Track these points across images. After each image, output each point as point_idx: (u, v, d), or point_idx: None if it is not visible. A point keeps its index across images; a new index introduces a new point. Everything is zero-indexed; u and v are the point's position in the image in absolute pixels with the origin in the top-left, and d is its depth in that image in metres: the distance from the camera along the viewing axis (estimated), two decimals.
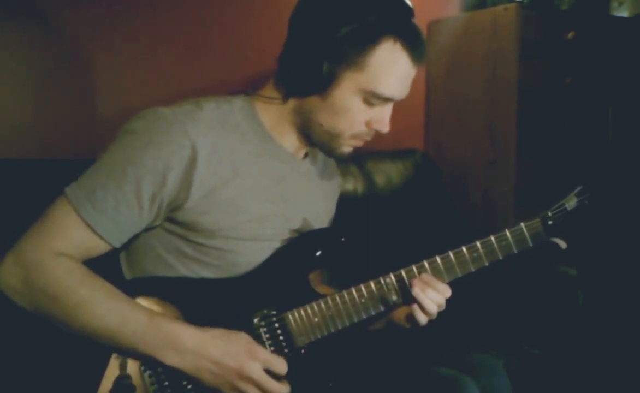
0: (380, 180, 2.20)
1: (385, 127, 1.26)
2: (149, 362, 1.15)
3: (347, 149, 1.29)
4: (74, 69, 1.88)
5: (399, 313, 1.33)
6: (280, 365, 1.17)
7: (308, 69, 1.19)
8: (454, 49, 2.37)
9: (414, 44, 1.21)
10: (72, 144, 1.85)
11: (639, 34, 2.32)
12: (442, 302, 1.26)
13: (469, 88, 2.32)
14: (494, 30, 2.21)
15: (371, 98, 1.21)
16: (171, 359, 1.13)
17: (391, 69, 1.20)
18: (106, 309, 1.13)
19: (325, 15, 1.19)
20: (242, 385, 1.14)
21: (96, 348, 1.15)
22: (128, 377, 1.14)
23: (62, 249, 1.15)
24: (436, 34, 2.42)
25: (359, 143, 1.30)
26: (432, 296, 1.24)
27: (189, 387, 1.18)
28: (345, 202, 1.55)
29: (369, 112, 1.24)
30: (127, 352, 1.15)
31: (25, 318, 1.15)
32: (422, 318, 1.26)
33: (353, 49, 1.17)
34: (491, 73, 2.23)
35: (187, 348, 1.13)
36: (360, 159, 2.16)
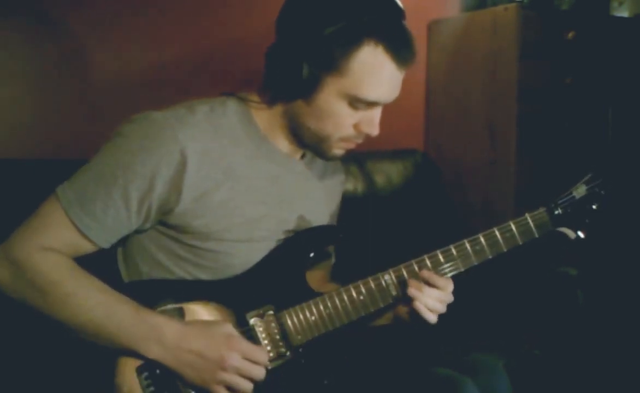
0: (380, 180, 2.20)
1: (374, 130, 1.25)
2: (133, 355, 1.15)
3: (337, 151, 1.29)
4: (74, 69, 1.89)
5: (402, 310, 1.32)
6: (259, 355, 1.18)
7: (291, 73, 1.18)
8: (454, 49, 2.37)
9: (397, 46, 1.18)
10: (72, 144, 1.84)
11: (639, 34, 2.32)
12: (445, 296, 1.25)
13: (469, 88, 2.32)
14: (494, 30, 2.21)
15: (356, 102, 1.20)
16: (154, 352, 1.14)
17: (373, 73, 1.18)
18: (92, 302, 1.14)
19: (307, 20, 1.18)
20: (224, 375, 1.15)
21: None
22: None
23: (51, 245, 1.16)
24: (436, 34, 2.41)
25: (349, 146, 1.29)
26: (432, 293, 1.24)
27: (186, 388, 1.18)
28: (345, 202, 1.55)
29: (356, 116, 1.22)
30: (111, 345, 1.15)
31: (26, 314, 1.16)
32: (429, 316, 1.25)
33: (335, 54, 1.16)
34: (491, 73, 2.23)
35: (170, 341, 1.14)
36: (360, 159, 2.16)
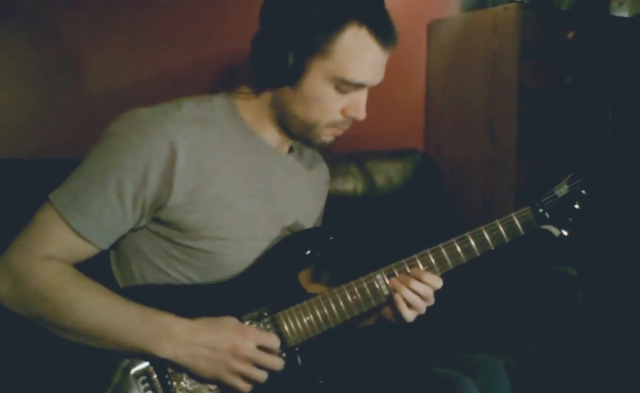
0: (380, 180, 2.20)
1: (361, 114, 1.26)
2: (141, 356, 1.15)
3: (326, 138, 1.29)
4: (73, 69, 1.89)
5: (386, 307, 1.32)
6: (272, 341, 1.19)
7: (276, 60, 1.19)
8: (454, 49, 2.36)
9: (380, 27, 1.20)
10: (72, 144, 1.84)
11: (639, 34, 2.32)
12: (428, 293, 1.26)
13: (469, 88, 2.32)
14: (494, 30, 2.21)
15: (342, 85, 1.21)
16: (165, 350, 1.13)
17: (358, 54, 1.19)
18: (97, 305, 1.13)
19: (290, 5, 1.19)
20: (238, 364, 1.15)
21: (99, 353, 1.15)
22: None
23: (50, 253, 1.15)
24: (436, 34, 2.41)
25: (337, 132, 1.30)
26: (415, 287, 1.25)
27: (185, 387, 1.18)
28: (345, 202, 1.55)
29: (342, 100, 1.24)
30: (118, 347, 1.14)
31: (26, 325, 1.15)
32: (407, 313, 1.26)
33: (319, 37, 1.18)
34: (491, 73, 2.23)
35: (180, 337, 1.14)
36: (360, 158, 2.16)
